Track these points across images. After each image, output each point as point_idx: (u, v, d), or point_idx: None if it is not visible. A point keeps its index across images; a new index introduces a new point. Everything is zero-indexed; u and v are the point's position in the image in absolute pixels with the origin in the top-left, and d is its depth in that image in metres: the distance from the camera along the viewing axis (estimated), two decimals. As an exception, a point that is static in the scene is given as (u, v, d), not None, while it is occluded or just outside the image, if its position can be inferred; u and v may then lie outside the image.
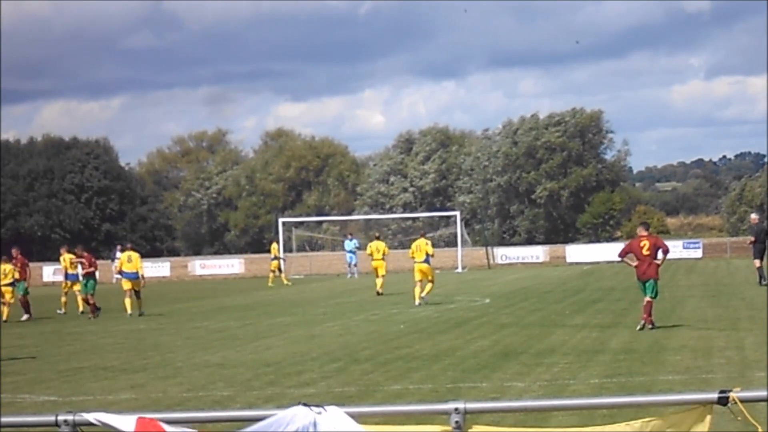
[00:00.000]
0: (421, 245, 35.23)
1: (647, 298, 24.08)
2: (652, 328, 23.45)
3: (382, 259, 42.65)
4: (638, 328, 23.58)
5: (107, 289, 57.46)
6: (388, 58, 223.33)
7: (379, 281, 41.64)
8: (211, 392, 16.91)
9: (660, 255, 24.32)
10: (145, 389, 17.59)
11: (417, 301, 34.43)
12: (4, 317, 35.45)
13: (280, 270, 55.46)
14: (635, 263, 24.64)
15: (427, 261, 34.82)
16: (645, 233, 24.82)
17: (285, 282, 54.28)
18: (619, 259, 25.73)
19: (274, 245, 57.53)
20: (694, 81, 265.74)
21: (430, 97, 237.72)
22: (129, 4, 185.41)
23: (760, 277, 37.16)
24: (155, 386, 17.91)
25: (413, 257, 35.23)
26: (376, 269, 42.55)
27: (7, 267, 35.95)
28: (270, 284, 53.70)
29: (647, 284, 24.23)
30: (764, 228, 38.77)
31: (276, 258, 56.02)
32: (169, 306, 39.66)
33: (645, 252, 24.31)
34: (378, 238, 45.08)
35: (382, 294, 40.61)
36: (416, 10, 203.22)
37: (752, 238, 38.88)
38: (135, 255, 36.45)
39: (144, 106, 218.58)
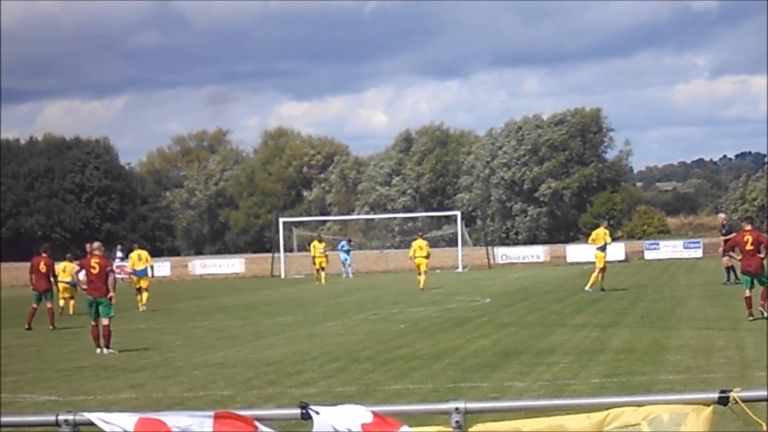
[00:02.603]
0: (600, 234, 38.00)
1: (748, 292, 24.68)
2: (752, 319, 24.00)
3: (425, 257, 44.79)
4: (750, 319, 24.19)
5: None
6: (392, 57, 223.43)
7: (422, 278, 43.98)
8: (211, 392, 16.91)
9: (762, 250, 24.74)
10: (145, 389, 17.59)
11: (588, 288, 36.91)
12: (71, 311, 36.63)
13: (322, 268, 53.59)
14: (740, 257, 25.18)
15: (603, 248, 37.66)
16: (749, 227, 25.22)
17: (322, 281, 52.52)
18: (724, 253, 26.27)
19: (315, 243, 55.22)
20: (697, 80, 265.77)
21: (433, 96, 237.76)
22: (137, 3, 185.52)
23: (728, 277, 38.02)
24: (155, 386, 17.91)
25: (593, 242, 38.33)
26: (418, 266, 44.65)
27: (69, 265, 36.27)
28: (322, 282, 51.95)
29: (752, 278, 24.73)
30: (734, 226, 40.39)
31: (315, 257, 54.07)
32: (169, 305, 39.65)
33: (749, 246, 24.74)
34: (421, 237, 47.35)
35: (424, 289, 42.59)
36: (421, 10, 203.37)
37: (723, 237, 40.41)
38: (144, 252, 38.84)
39: (148, 106, 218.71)
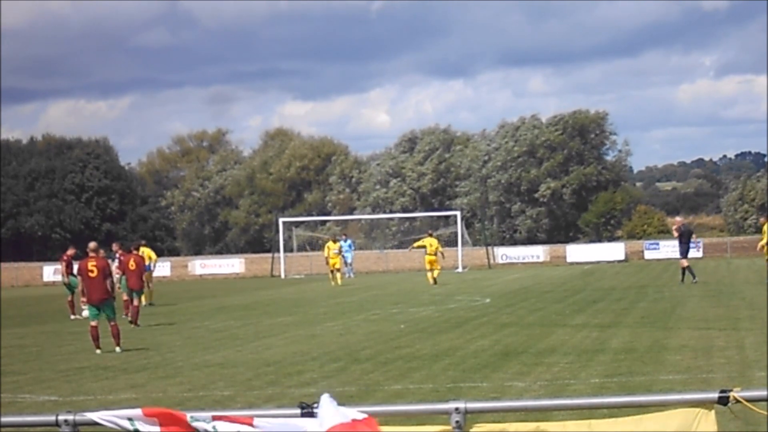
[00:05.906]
0: None
1: None
2: None
3: (435, 254, 47.18)
4: None
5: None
6: (398, 56, 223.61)
7: (435, 272, 46.84)
8: (211, 392, 16.91)
9: None
10: (145, 389, 17.59)
11: None
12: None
13: (337, 269, 52.20)
14: None
15: None
16: None
17: (338, 282, 51.16)
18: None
19: (329, 244, 53.63)
20: (702, 80, 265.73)
21: (437, 96, 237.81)
22: (144, 2, 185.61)
23: (692, 275, 39.41)
24: (155, 386, 17.91)
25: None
26: (430, 263, 47.15)
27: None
28: (338, 283, 50.67)
29: None
30: (690, 229, 41.62)
31: (329, 257, 52.55)
32: (169, 306, 39.65)
33: None
34: (431, 235, 49.43)
35: (437, 284, 45.57)
36: (427, 9, 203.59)
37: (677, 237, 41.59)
38: (146, 249, 39.21)
39: (153, 106, 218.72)
